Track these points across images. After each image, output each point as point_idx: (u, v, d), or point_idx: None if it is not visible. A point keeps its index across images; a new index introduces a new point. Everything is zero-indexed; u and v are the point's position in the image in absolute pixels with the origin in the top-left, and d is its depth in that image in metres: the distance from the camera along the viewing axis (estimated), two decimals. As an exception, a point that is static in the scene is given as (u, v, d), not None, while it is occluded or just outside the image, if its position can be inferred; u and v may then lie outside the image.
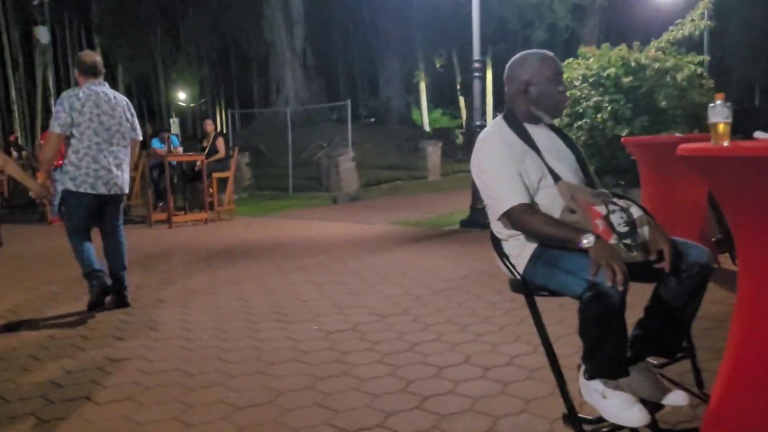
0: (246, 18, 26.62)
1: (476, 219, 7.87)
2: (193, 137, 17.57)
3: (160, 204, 10.13)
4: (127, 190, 4.72)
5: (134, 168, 5.08)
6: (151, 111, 35.54)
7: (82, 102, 4.41)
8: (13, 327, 4.29)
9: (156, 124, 26.21)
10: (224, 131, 17.06)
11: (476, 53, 7.62)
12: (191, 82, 33.23)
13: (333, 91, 31.75)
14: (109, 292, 4.62)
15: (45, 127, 18.45)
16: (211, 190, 9.81)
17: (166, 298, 4.93)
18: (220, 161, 10.19)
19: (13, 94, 28.30)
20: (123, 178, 4.64)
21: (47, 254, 7.26)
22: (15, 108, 28.09)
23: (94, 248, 4.64)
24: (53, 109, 4.55)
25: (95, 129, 4.44)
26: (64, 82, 31.30)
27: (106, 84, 4.66)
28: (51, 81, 27.09)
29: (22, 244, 8.13)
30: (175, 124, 21.18)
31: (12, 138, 20.83)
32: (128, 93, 32.80)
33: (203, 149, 10.22)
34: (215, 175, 9.82)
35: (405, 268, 5.73)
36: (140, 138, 4.83)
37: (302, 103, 19.74)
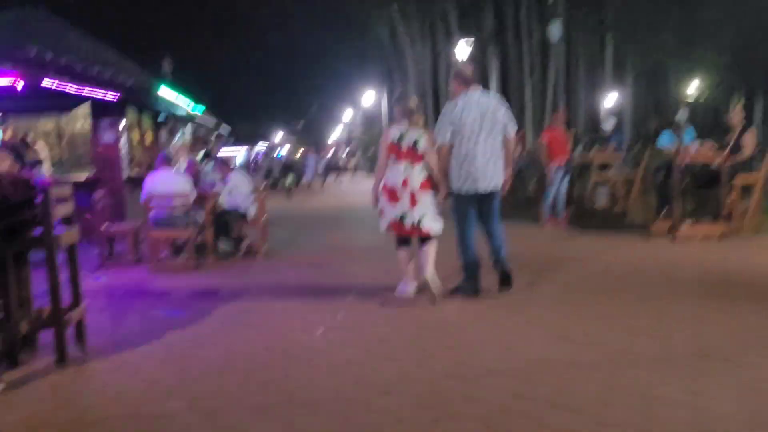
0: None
1: None
2: (703, 131, 15.18)
3: (663, 211, 8.55)
4: (500, 187, 4.96)
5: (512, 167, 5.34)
6: (658, 104, 33.55)
7: (459, 110, 4.84)
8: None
9: (662, 117, 24.31)
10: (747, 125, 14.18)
11: None
12: (704, 71, 29.89)
13: None
14: (479, 293, 4.98)
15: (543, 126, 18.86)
16: (732, 198, 7.79)
17: (672, 357, 3.52)
18: (746, 162, 8.01)
19: (527, 95, 30.35)
20: (497, 175, 4.93)
21: (536, 257, 6.60)
22: (527, 108, 30.04)
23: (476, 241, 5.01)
24: (438, 123, 5.02)
25: (468, 135, 4.81)
26: (574, 80, 32.08)
27: (480, 89, 4.98)
28: (561, 78, 28.05)
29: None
30: (683, 114, 18.94)
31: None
32: (635, 85, 31.59)
33: (724, 146, 8.20)
34: (740, 178, 7.74)
35: None
36: (512, 135, 4.96)
37: None
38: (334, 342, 4.08)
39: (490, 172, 4.85)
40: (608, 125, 12.37)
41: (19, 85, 6.99)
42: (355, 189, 25.18)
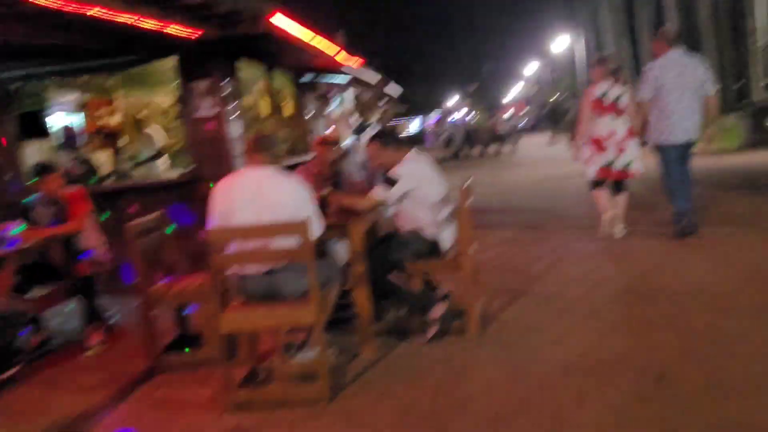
0: None
1: None
2: None
3: None
4: (696, 137, 5.26)
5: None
6: None
7: (660, 69, 5.22)
8: None
9: None
10: None
11: None
12: None
13: None
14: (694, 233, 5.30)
15: None
16: None
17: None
18: None
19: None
20: (695, 127, 5.24)
21: None
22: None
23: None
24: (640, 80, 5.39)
25: (669, 89, 5.18)
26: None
27: (682, 49, 5.31)
28: None
29: None
30: None
31: None
32: None
33: None
34: None
35: None
36: (710, 92, 5.22)
37: None
38: None
39: (688, 123, 5.18)
40: None
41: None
42: (553, 155, 20.20)
